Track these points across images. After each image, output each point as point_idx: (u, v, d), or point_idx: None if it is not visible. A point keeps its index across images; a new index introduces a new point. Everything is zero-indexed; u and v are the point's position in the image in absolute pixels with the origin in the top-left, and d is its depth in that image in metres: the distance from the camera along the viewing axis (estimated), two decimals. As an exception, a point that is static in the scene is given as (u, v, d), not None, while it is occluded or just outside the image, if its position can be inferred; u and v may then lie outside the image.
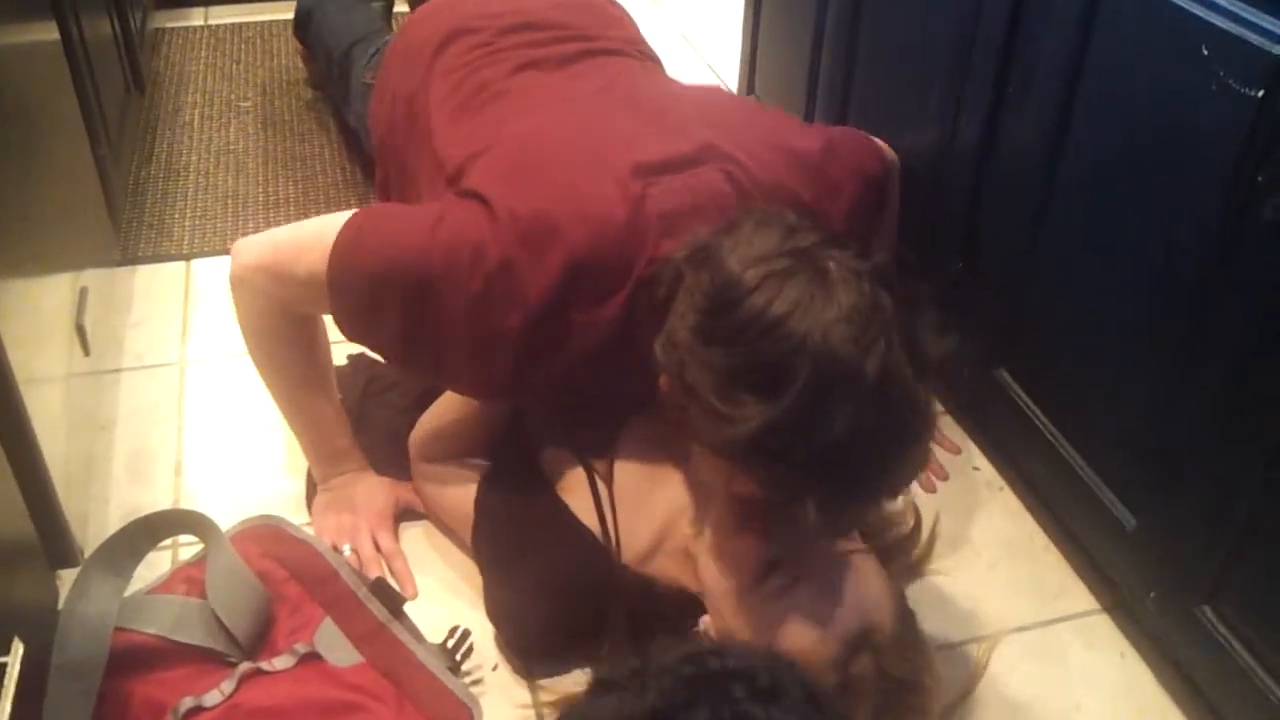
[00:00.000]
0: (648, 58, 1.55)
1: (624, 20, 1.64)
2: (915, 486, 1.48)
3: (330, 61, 2.02)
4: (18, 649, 0.88)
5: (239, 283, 1.24)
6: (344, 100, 1.99)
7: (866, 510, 1.08)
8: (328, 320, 1.28)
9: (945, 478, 1.51)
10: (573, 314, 1.12)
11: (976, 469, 1.54)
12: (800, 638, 1.04)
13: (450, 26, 1.50)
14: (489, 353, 1.13)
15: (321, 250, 1.16)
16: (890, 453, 0.98)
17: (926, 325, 1.00)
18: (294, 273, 1.19)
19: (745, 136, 1.23)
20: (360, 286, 1.14)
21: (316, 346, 1.31)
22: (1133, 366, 1.19)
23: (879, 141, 1.39)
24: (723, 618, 1.12)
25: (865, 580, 1.08)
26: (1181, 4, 1.03)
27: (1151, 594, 1.21)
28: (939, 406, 1.62)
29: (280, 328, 1.26)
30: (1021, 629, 1.30)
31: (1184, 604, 1.15)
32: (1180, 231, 1.08)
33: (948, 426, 1.60)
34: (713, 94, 1.42)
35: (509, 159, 1.21)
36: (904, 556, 1.33)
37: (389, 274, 1.12)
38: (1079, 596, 1.36)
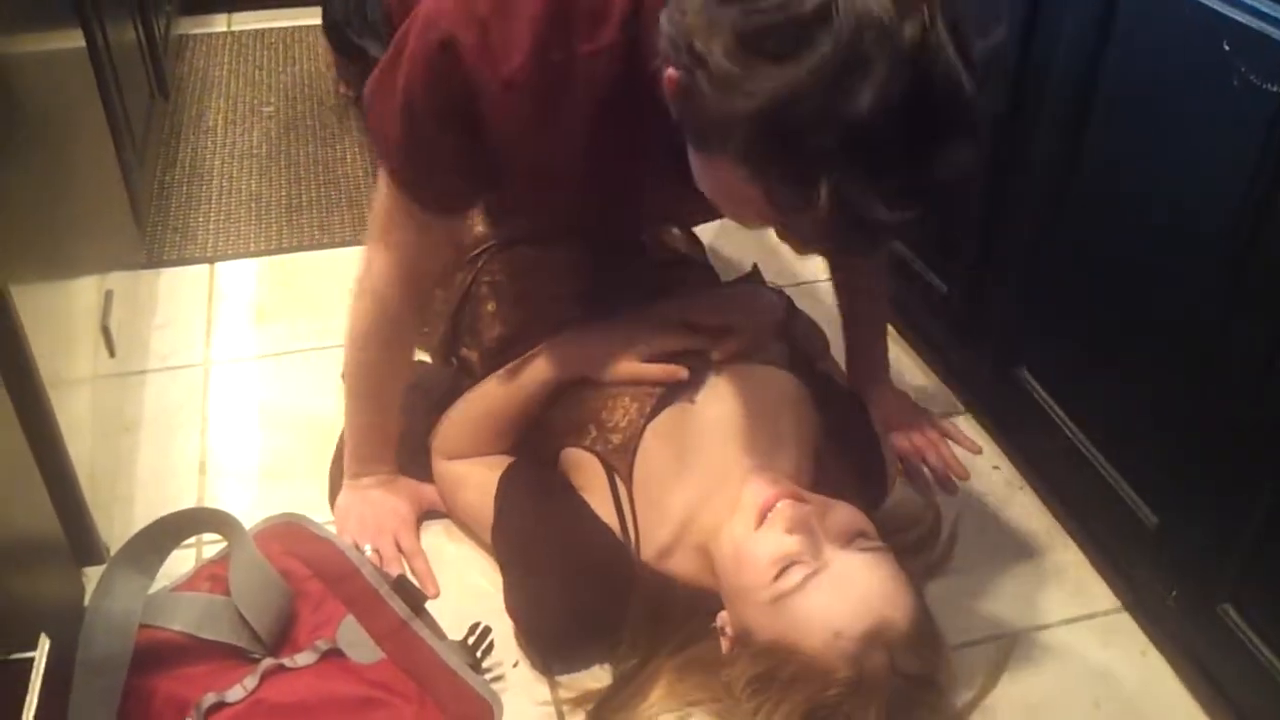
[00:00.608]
0: None
1: None
2: (935, 485, 1.49)
3: (348, 5, 2.01)
4: (44, 645, 0.89)
5: (359, 293, 1.29)
6: (363, 30, 1.96)
7: (898, 221, 0.88)
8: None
9: (966, 477, 1.50)
10: (574, 38, 1.05)
11: (996, 468, 1.53)
12: (815, 634, 1.05)
13: None
14: (508, 106, 1.08)
15: (383, 197, 1.21)
16: (926, 138, 0.85)
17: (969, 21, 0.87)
18: (385, 231, 1.24)
19: None
20: (403, 121, 1.13)
21: (406, 357, 1.36)
22: (1153, 364, 1.18)
23: None
24: (739, 615, 1.12)
25: (881, 577, 1.08)
26: None
27: (1173, 593, 1.20)
28: (958, 406, 1.63)
29: (383, 330, 1.30)
30: (1042, 627, 1.30)
31: (1206, 603, 1.15)
32: (1202, 228, 1.08)
33: (967, 426, 1.60)
34: None
35: None
36: (924, 555, 1.33)
37: (420, 89, 1.10)
38: (1099, 595, 1.35)
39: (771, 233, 1.10)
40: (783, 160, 0.86)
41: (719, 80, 0.86)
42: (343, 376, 1.39)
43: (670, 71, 0.92)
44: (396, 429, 1.39)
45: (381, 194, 1.23)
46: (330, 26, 2.23)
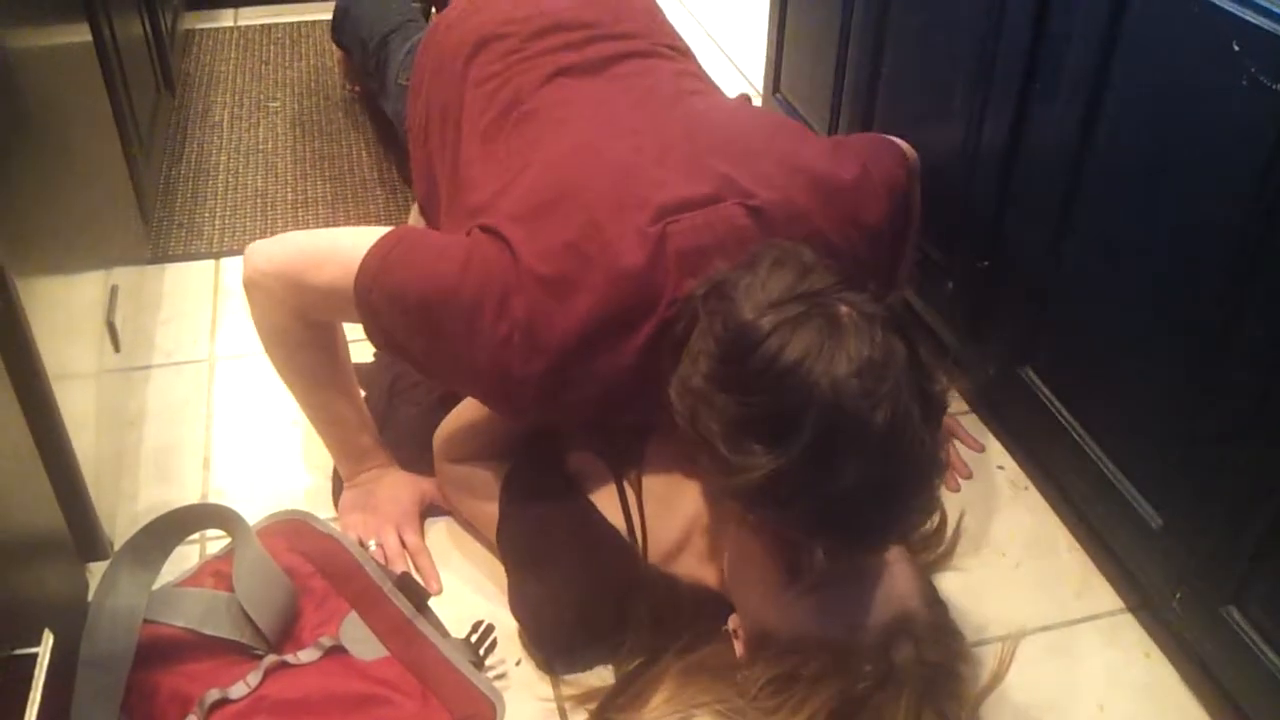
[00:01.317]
0: (680, 54, 1.53)
1: (652, 9, 1.63)
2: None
3: (365, 53, 2.03)
4: (48, 640, 0.89)
5: (253, 286, 1.24)
6: (381, 93, 1.99)
7: (875, 553, 1.08)
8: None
9: (969, 476, 1.50)
10: (596, 356, 1.12)
11: (1001, 467, 1.53)
12: (839, 629, 1.05)
13: (479, 34, 1.49)
14: (511, 386, 1.14)
15: (341, 266, 1.16)
16: (897, 501, 0.99)
17: (934, 365, 1.01)
18: (312, 282, 1.19)
19: (772, 163, 1.21)
20: (387, 307, 1.15)
21: (334, 348, 1.32)
22: (1159, 365, 1.18)
23: (900, 144, 1.37)
24: (754, 617, 1.12)
25: (895, 570, 1.09)
26: (1211, -1, 1.02)
27: (1177, 594, 1.20)
28: (963, 405, 1.63)
29: (296, 330, 1.27)
30: (1045, 628, 1.30)
31: (1210, 604, 1.14)
32: (1209, 228, 1.08)
33: (972, 424, 1.59)
34: (741, 113, 1.39)
35: (534, 194, 1.19)
36: (928, 553, 1.33)
37: (416, 303, 1.13)
38: (1103, 596, 1.35)
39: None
40: (779, 518, 1.02)
41: (719, 462, 0.99)
42: None
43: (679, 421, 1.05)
44: (363, 417, 1.38)
45: (340, 255, 1.18)
46: (339, 42, 2.24)
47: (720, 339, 0.99)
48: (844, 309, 0.97)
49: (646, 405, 1.10)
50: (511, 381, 1.13)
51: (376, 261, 1.15)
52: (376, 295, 1.15)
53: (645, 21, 1.56)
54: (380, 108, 2.04)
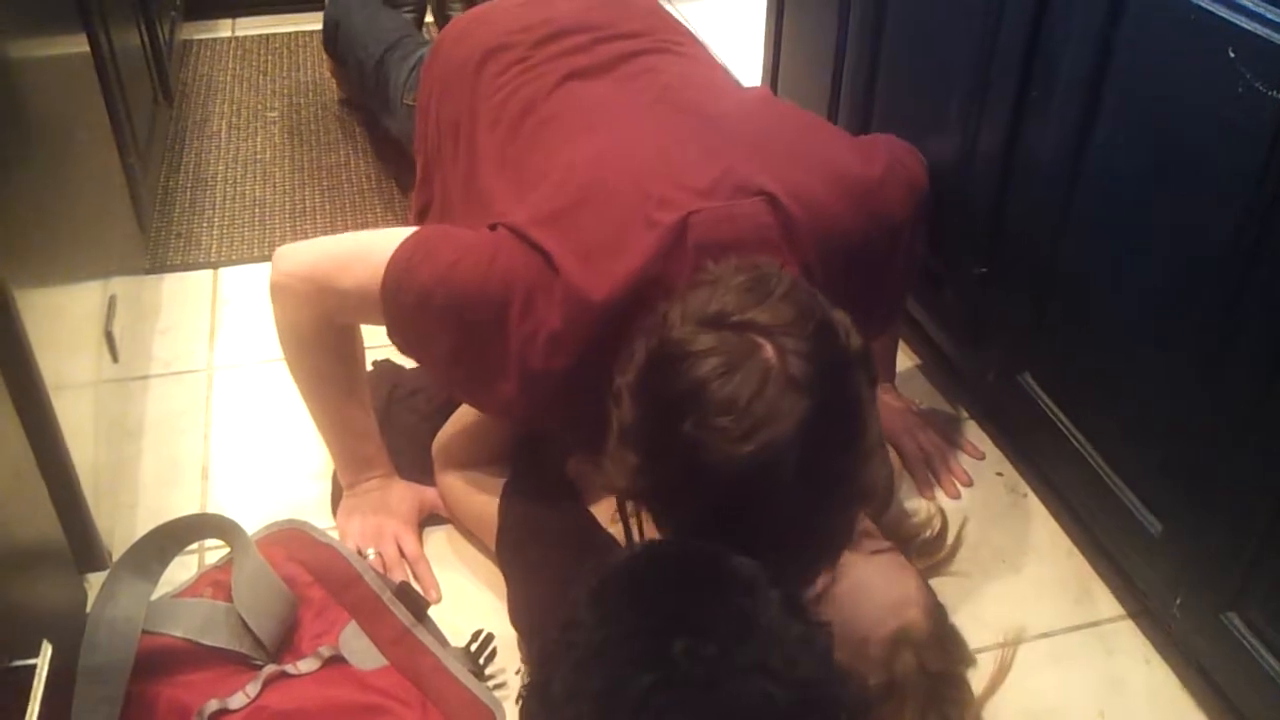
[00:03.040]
0: (688, 48, 1.52)
1: (654, 8, 1.62)
2: (939, 492, 1.48)
3: (364, 72, 2.03)
4: (46, 651, 0.89)
5: (281, 289, 1.25)
6: (384, 110, 1.99)
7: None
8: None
9: (969, 483, 1.50)
10: (618, 350, 1.09)
11: (999, 474, 1.53)
12: (841, 644, 1.04)
13: (485, 46, 1.49)
14: (531, 384, 1.14)
15: (369, 267, 1.17)
16: (757, 538, 0.93)
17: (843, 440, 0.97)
18: (340, 284, 1.20)
19: (796, 159, 1.21)
20: (414, 306, 1.15)
21: (354, 355, 1.32)
22: (1157, 371, 1.18)
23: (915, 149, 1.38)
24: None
25: (895, 579, 1.09)
26: (1207, 6, 1.02)
27: (1177, 600, 1.20)
28: (962, 411, 1.63)
29: (320, 335, 1.27)
30: (1045, 635, 1.30)
31: (1210, 610, 1.14)
32: (1205, 235, 1.08)
33: (971, 431, 1.60)
34: (765, 108, 1.38)
35: (557, 198, 1.19)
36: (928, 559, 1.33)
37: (444, 300, 1.13)
38: (1103, 602, 1.35)
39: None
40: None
41: (608, 455, 1.01)
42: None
43: None
44: (374, 436, 1.38)
45: (369, 256, 1.18)
46: (332, 54, 2.24)
47: (648, 347, 0.98)
48: (770, 351, 0.93)
49: None
50: (532, 378, 1.13)
51: (404, 261, 1.15)
52: (405, 295, 1.15)
53: (650, 20, 1.55)
54: (381, 124, 2.04)
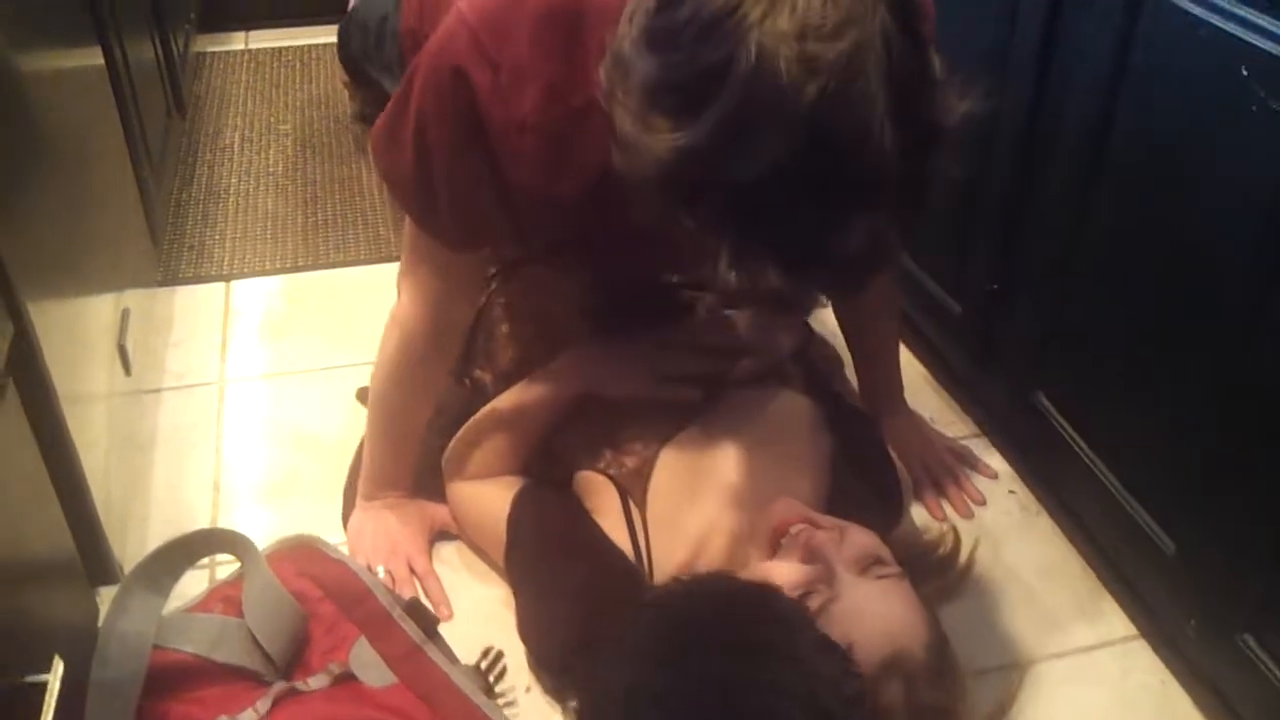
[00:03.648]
0: None
1: None
2: (950, 510, 1.48)
3: (366, 35, 2.00)
4: (58, 666, 0.89)
5: (390, 322, 1.30)
6: (383, 67, 1.95)
7: (794, 290, 0.87)
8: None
9: (982, 502, 1.50)
10: (588, 89, 0.98)
11: (1012, 493, 1.52)
12: None
13: None
14: (520, 146, 1.08)
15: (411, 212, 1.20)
16: (820, 208, 0.80)
17: (935, 73, 0.83)
18: (405, 245, 1.25)
19: None
20: (407, 152, 1.13)
21: (439, 380, 1.35)
22: (1172, 390, 1.17)
23: None
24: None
25: (898, 606, 1.07)
26: (1220, 24, 1.02)
27: (1192, 621, 1.19)
28: (975, 429, 1.62)
29: (408, 367, 1.30)
30: (1058, 655, 1.29)
31: (1225, 631, 1.13)
32: (1221, 254, 1.07)
33: (983, 450, 1.59)
34: None
35: None
36: (941, 578, 1.32)
37: (422, 124, 1.10)
38: (1117, 623, 1.34)
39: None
40: (684, 218, 0.85)
41: (624, 143, 0.85)
42: (358, 395, 1.39)
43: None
44: (414, 456, 1.39)
45: (408, 229, 1.24)
46: (347, 60, 2.24)
47: None
48: None
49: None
50: (516, 132, 1.06)
51: (400, 185, 1.18)
52: (384, 139, 1.16)
53: None
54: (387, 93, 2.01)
